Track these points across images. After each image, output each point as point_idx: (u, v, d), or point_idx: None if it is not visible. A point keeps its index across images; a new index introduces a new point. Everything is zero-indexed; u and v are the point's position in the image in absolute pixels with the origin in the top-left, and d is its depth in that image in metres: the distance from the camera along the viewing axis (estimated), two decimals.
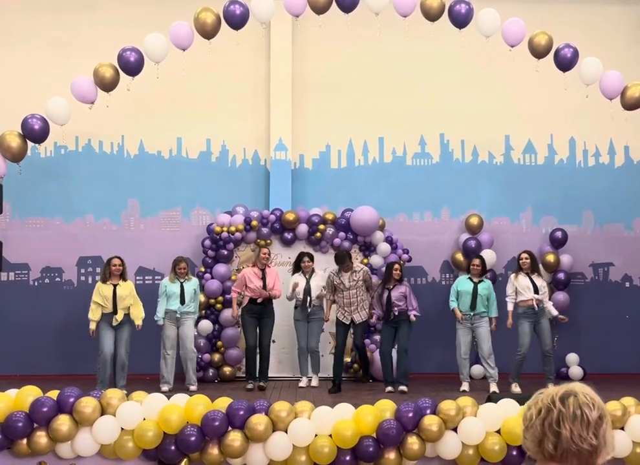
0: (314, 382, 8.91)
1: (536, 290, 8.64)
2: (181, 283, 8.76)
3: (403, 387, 8.48)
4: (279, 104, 10.44)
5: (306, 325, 8.95)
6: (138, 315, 8.54)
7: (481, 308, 8.70)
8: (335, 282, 9.01)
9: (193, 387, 8.51)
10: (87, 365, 9.97)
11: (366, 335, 9.57)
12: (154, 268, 10.03)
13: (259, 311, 8.81)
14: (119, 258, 8.61)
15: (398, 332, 8.76)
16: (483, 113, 10.61)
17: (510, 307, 8.74)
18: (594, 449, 1.81)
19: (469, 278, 8.85)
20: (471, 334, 8.74)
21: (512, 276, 8.88)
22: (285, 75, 10.47)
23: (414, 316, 8.74)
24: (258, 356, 8.90)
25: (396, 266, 8.91)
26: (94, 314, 8.46)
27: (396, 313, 8.71)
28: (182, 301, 8.70)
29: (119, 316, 8.42)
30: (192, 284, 8.85)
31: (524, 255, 8.86)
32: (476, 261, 8.92)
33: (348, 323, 8.99)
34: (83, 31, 10.37)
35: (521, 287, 8.69)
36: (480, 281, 8.81)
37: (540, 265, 10.29)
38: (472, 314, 8.68)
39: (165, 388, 8.34)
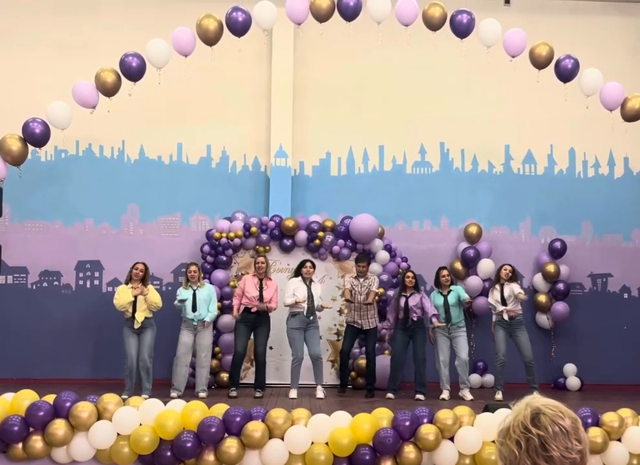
0: (320, 394, 8.59)
1: (504, 302, 8.87)
2: (194, 290, 8.75)
3: (420, 396, 8.61)
4: (280, 111, 10.46)
5: (302, 334, 8.77)
6: (155, 295, 8.56)
7: (456, 318, 8.89)
8: (352, 285, 9.08)
9: (202, 395, 8.45)
10: (84, 369, 10.00)
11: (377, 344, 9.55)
12: (152, 273, 9.98)
13: (253, 320, 8.77)
14: (143, 263, 8.70)
15: (414, 342, 8.87)
16: (484, 123, 10.65)
17: (494, 318, 9.02)
18: (582, 454, 1.81)
19: (439, 291, 9.01)
20: (449, 342, 8.88)
21: (495, 287, 9.10)
22: (286, 82, 10.50)
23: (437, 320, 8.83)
24: (253, 365, 8.95)
25: (409, 274, 9.09)
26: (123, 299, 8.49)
27: (415, 319, 8.83)
28: (194, 309, 8.68)
29: (139, 318, 8.42)
30: (205, 291, 8.80)
31: (508, 267, 9.05)
32: (445, 272, 9.07)
33: (359, 327, 9.06)
34: (85, 35, 10.40)
35: (493, 300, 9.00)
36: (448, 292, 8.96)
37: (540, 274, 10.35)
38: (449, 325, 8.85)
39: (174, 394, 8.27)
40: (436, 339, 8.91)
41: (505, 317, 8.81)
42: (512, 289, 8.87)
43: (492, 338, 9.06)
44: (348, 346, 9.15)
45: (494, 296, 8.99)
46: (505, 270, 9.01)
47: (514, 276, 9.05)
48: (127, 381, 8.43)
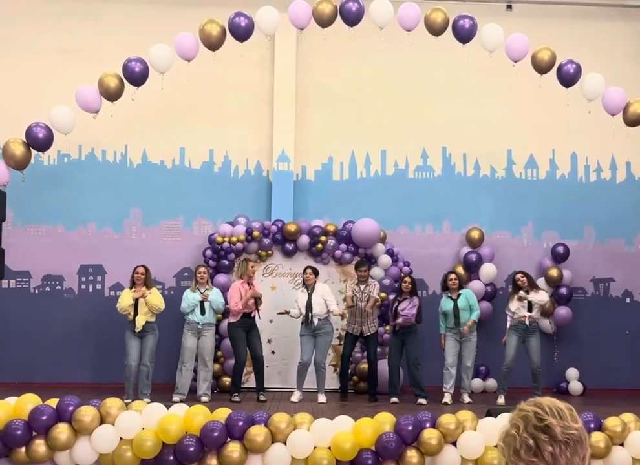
0: (322, 399, 8.64)
1: (529, 309, 8.86)
2: (202, 293, 8.75)
3: (422, 400, 8.61)
4: (282, 115, 10.48)
5: (311, 340, 8.78)
6: (156, 297, 8.58)
7: (466, 322, 8.87)
8: (354, 291, 9.09)
9: (205, 399, 8.46)
10: (86, 373, 10.00)
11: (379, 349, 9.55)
12: (155, 277, 9.96)
13: (250, 324, 8.81)
14: (143, 266, 8.72)
15: (406, 345, 8.88)
16: (486, 128, 10.66)
17: (508, 325, 8.97)
18: (581, 435, 1.84)
19: (449, 296, 9.00)
20: (459, 346, 8.88)
21: (514, 295, 9.03)
22: (288, 87, 10.52)
23: (403, 321, 8.80)
24: (253, 369, 9.03)
25: (406, 278, 9.10)
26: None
27: (402, 322, 8.82)
28: (202, 312, 8.70)
29: (140, 323, 8.44)
30: (213, 294, 8.81)
31: (519, 276, 9.05)
32: (453, 276, 9.07)
33: (358, 334, 9.08)
34: (88, 41, 10.42)
35: (518, 305, 8.95)
36: (458, 296, 8.95)
37: (543, 279, 10.34)
38: (459, 329, 8.87)
39: (176, 398, 8.28)
40: (446, 342, 8.92)
41: (527, 322, 8.81)
42: (539, 299, 8.92)
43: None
44: (348, 352, 9.17)
45: (522, 303, 8.88)
46: (518, 280, 8.99)
47: (532, 282, 9.04)
48: (127, 384, 8.45)
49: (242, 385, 9.09)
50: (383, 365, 9.40)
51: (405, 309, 8.85)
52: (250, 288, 8.81)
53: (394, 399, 8.66)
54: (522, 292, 8.91)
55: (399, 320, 8.83)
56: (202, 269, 8.88)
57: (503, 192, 10.80)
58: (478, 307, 9.04)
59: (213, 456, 5.53)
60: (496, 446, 5.60)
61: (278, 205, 10.32)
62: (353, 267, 9.46)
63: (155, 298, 8.57)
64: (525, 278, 8.98)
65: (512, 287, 9.25)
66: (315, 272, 9.02)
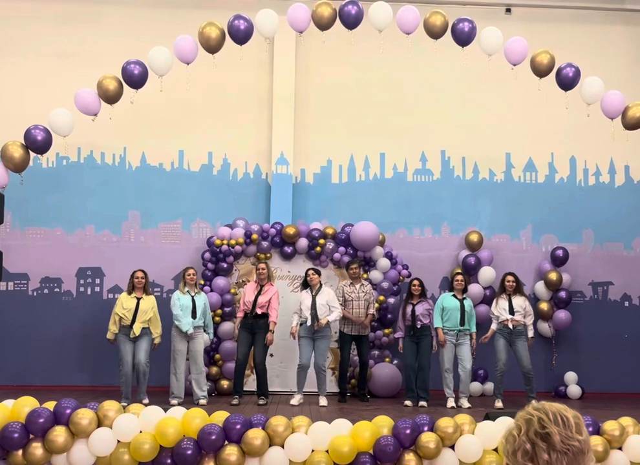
0: (323, 402, 8.65)
1: (511, 312, 8.81)
2: (192, 296, 8.76)
3: (423, 402, 8.63)
4: (281, 118, 10.49)
5: (310, 343, 8.76)
6: (155, 330, 8.60)
7: (466, 325, 8.89)
8: (346, 292, 9.08)
9: (203, 401, 8.48)
10: (84, 376, 9.99)
11: (378, 351, 9.55)
12: (153, 280, 10.00)
13: (252, 325, 8.76)
14: (142, 271, 8.73)
15: (419, 348, 8.90)
16: (485, 131, 10.67)
17: (494, 327, 8.90)
18: (583, 447, 1.82)
19: (453, 295, 8.97)
20: (454, 349, 8.84)
21: (497, 298, 9.03)
22: (288, 90, 10.53)
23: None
24: (254, 372, 9.01)
25: (415, 281, 9.09)
26: (115, 326, 8.50)
27: (418, 326, 8.86)
28: (194, 315, 8.68)
29: (137, 330, 8.43)
30: (202, 298, 8.83)
31: (510, 278, 9.00)
32: (459, 278, 9.08)
33: (354, 334, 9.10)
34: (88, 43, 10.44)
35: (499, 309, 8.90)
36: (464, 298, 8.98)
37: (542, 282, 10.33)
38: (459, 330, 8.83)
39: (174, 402, 8.29)
40: (445, 344, 8.86)
41: (510, 325, 8.78)
42: (519, 304, 8.86)
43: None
44: (347, 355, 9.18)
45: (501, 305, 8.88)
46: (508, 281, 8.97)
47: (519, 287, 9.02)
48: (123, 388, 8.43)
49: (243, 388, 9.07)
50: (383, 368, 9.39)
51: (422, 312, 8.87)
52: (261, 290, 8.79)
53: (408, 402, 8.65)
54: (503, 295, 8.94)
55: (441, 337, 8.80)
56: (191, 271, 8.87)
57: (502, 196, 10.81)
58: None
59: (211, 460, 5.52)
60: (494, 450, 5.60)
61: (277, 207, 10.32)
62: (345, 268, 9.48)
63: (158, 328, 8.64)
64: (515, 283, 8.94)
65: (499, 288, 9.16)
66: (318, 273, 9.01)
